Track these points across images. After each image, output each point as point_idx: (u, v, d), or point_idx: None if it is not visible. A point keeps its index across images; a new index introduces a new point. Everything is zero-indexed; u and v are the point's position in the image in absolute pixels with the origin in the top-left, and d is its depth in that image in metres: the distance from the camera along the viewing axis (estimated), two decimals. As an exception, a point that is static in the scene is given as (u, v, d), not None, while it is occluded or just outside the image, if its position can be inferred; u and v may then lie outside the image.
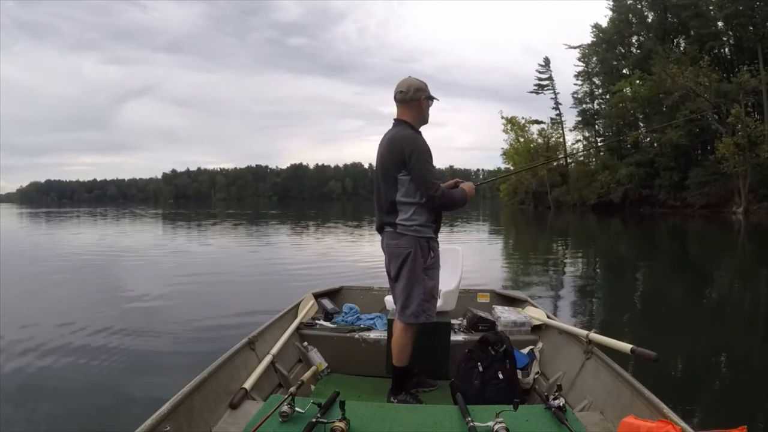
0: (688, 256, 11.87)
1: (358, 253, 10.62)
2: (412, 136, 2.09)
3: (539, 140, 43.22)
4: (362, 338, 2.67)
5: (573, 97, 42.72)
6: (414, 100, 2.12)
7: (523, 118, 42.96)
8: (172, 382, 1.99)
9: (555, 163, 42.93)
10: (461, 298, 3.02)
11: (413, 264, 2.07)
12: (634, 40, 38.59)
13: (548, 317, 2.80)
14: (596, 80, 41.69)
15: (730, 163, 25.64)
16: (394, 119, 2.20)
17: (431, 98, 2.18)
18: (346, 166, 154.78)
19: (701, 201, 28.51)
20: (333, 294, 3.40)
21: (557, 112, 44.25)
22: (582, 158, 43.04)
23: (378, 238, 2.24)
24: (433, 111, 2.22)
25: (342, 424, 1.44)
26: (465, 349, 2.30)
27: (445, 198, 2.08)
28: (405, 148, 2.03)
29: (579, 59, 42.29)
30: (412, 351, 2.18)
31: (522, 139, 42.85)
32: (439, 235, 2.21)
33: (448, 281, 2.59)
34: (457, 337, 2.65)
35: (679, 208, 29.71)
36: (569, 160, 43.42)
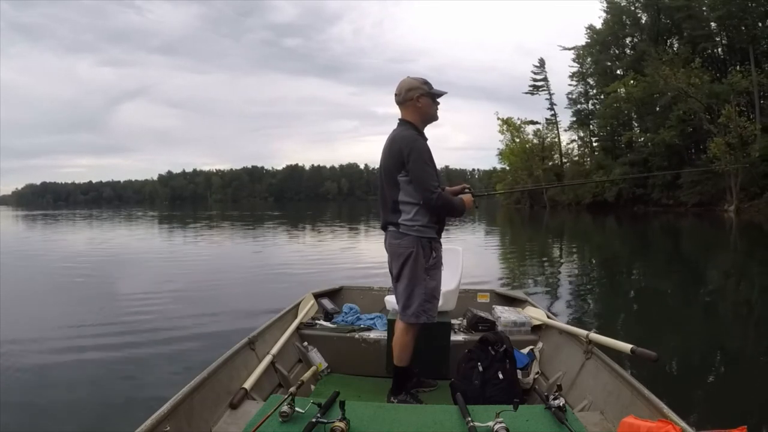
0: (683, 254, 11.96)
1: (358, 253, 10.62)
2: (411, 137, 2.07)
3: (534, 140, 43.42)
4: (362, 338, 2.67)
5: (568, 97, 43.02)
6: (408, 101, 2.11)
7: (518, 119, 43.21)
8: (172, 382, 1.98)
9: (550, 165, 43.17)
10: (461, 298, 3.02)
11: (415, 264, 2.07)
12: (627, 41, 38.85)
13: (548, 317, 2.80)
14: (591, 81, 41.95)
15: (722, 162, 25.90)
16: (398, 119, 2.20)
17: (432, 94, 2.13)
18: (341, 166, 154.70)
19: (694, 199, 28.75)
20: (333, 294, 3.39)
21: (552, 112, 44.56)
22: (577, 158, 43.32)
23: (380, 237, 2.24)
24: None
25: (342, 424, 1.44)
26: (465, 349, 2.30)
27: (443, 201, 2.05)
28: (403, 150, 2.03)
29: (573, 60, 42.60)
30: (412, 351, 2.17)
31: (518, 140, 43.01)
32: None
33: (448, 281, 2.59)
34: (457, 337, 2.65)
35: (672, 207, 29.92)
36: (564, 161, 43.72)
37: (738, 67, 29.17)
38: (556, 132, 44.36)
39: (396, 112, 2.20)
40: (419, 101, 2.11)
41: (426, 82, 2.14)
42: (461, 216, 2.29)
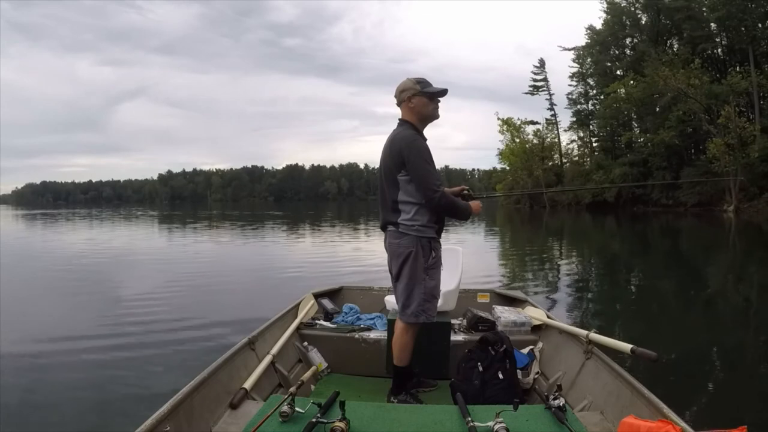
0: (683, 254, 11.96)
1: (358, 253, 10.62)
2: (411, 136, 2.08)
3: (534, 141, 43.45)
4: (362, 338, 2.67)
5: (567, 97, 43.09)
6: (402, 102, 2.15)
7: (518, 119, 43.25)
8: (172, 382, 1.98)
9: (550, 165, 43.15)
10: (461, 298, 3.02)
11: (414, 264, 2.07)
12: (627, 42, 38.88)
13: (548, 317, 2.80)
14: (590, 81, 41.98)
15: (721, 162, 25.93)
16: (398, 119, 2.21)
17: (425, 93, 2.11)
18: (341, 166, 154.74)
19: (693, 200, 28.78)
20: (333, 294, 3.39)
21: (552, 112, 44.60)
22: (577, 158, 43.35)
23: (380, 237, 2.24)
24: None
25: (342, 424, 1.43)
26: (465, 349, 2.31)
27: (446, 201, 2.05)
28: (403, 150, 2.04)
29: (573, 60, 42.66)
30: (412, 351, 2.18)
31: (518, 140, 43.04)
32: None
33: (448, 281, 2.60)
34: (457, 337, 2.65)
35: (672, 207, 29.95)
36: (564, 161, 43.74)
37: (737, 68, 29.23)
38: (556, 132, 44.45)
39: (396, 111, 2.22)
40: (411, 101, 2.12)
41: (420, 82, 2.13)
42: (466, 220, 2.28)
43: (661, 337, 4.24)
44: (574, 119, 42.90)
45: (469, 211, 2.16)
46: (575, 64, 42.51)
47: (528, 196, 41.96)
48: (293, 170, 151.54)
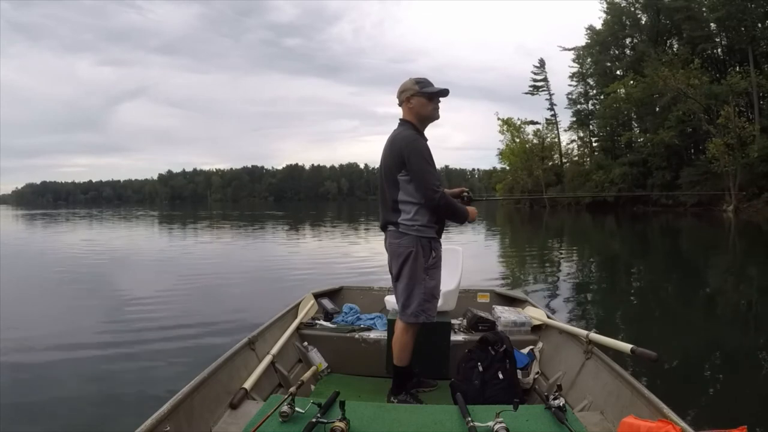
0: (683, 253, 11.97)
1: (358, 253, 10.61)
2: (412, 136, 2.08)
3: (534, 140, 43.45)
4: (362, 338, 2.67)
5: (567, 97, 43.09)
6: (402, 102, 2.16)
7: (518, 119, 43.26)
8: (172, 382, 1.98)
9: (550, 165, 43.15)
10: (461, 298, 3.02)
11: (414, 263, 2.07)
12: (627, 42, 38.90)
13: (548, 317, 2.80)
14: (590, 81, 41.99)
15: (720, 162, 25.95)
16: (399, 119, 2.22)
17: (424, 93, 2.10)
18: (341, 166, 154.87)
19: (693, 200, 28.75)
20: (333, 294, 3.39)
21: (552, 112, 44.61)
22: (577, 158, 43.38)
23: (380, 237, 2.25)
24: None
25: (342, 424, 1.43)
26: (465, 349, 2.31)
27: (446, 201, 2.06)
28: (403, 149, 2.04)
29: (573, 60, 42.68)
30: (412, 351, 2.18)
31: (518, 140, 43.04)
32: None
33: (448, 281, 2.60)
34: (457, 337, 2.65)
35: (672, 207, 29.93)
36: (564, 161, 43.77)
37: (737, 68, 29.24)
38: (555, 132, 44.45)
39: (397, 111, 2.23)
40: (411, 102, 2.13)
41: (419, 82, 2.13)
42: (461, 224, 2.29)
43: (661, 337, 4.24)
44: (574, 119, 42.94)
45: (466, 215, 2.17)
46: (575, 64, 42.61)
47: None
48: (293, 170, 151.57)
